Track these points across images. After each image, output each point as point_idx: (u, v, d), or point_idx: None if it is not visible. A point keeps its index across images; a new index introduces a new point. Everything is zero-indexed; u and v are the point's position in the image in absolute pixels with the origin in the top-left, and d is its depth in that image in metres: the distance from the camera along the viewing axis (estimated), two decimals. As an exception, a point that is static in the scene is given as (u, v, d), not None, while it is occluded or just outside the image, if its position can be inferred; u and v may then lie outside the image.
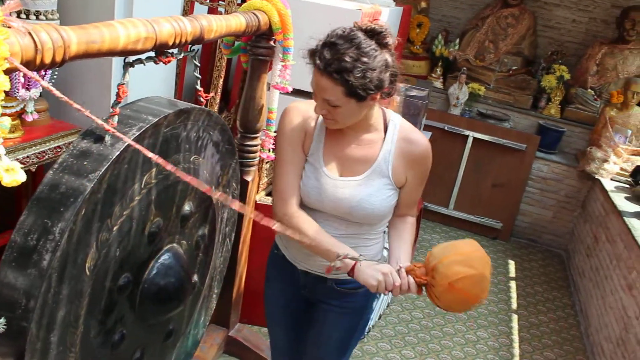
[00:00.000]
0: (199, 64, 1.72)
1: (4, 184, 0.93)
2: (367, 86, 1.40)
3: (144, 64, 1.45)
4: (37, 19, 1.97)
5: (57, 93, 1.01)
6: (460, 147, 4.72)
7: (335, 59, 1.37)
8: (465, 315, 3.59)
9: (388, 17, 3.29)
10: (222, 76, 2.65)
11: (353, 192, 1.57)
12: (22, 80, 1.90)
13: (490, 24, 4.84)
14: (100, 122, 1.19)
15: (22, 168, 1.95)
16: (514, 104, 4.84)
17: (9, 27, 0.96)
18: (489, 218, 4.80)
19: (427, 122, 4.45)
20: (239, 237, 2.49)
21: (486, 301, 3.81)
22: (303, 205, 1.64)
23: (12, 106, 1.92)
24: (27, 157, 1.98)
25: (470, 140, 4.66)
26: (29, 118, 2.00)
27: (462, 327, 3.46)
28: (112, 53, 1.26)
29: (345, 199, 1.57)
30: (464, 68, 4.77)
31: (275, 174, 1.65)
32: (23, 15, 1.96)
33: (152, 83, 2.51)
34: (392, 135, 1.60)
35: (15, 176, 0.94)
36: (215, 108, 2.71)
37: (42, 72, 1.99)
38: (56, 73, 2.06)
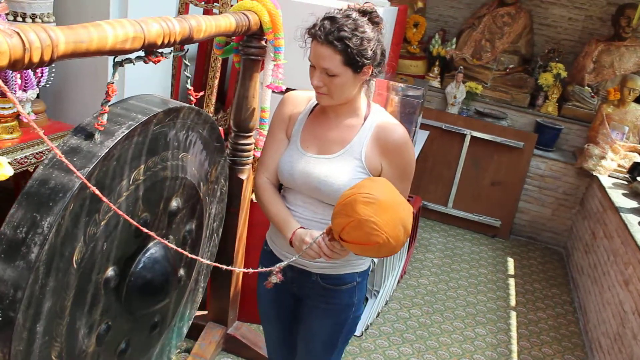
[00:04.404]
0: (188, 64, 1.76)
1: (-8, 177, 0.97)
2: (363, 54, 1.51)
3: (134, 64, 1.49)
4: (33, 22, 2.01)
5: None
6: (458, 146, 4.74)
7: (335, 29, 1.49)
8: (464, 312, 3.62)
9: (383, 17, 3.32)
10: (218, 77, 2.69)
11: (322, 167, 1.63)
12: (19, 82, 1.94)
13: (486, 23, 4.86)
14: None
15: (20, 168, 2.01)
16: (512, 102, 4.86)
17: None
18: (487, 216, 4.82)
19: (424, 121, 4.48)
20: (235, 236, 2.52)
21: (484, 298, 3.83)
22: (283, 188, 1.76)
23: (10, 107, 1.96)
24: (25, 157, 2.02)
25: (468, 138, 4.68)
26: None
27: (461, 324, 3.48)
28: (101, 52, 1.29)
29: (314, 173, 1.63)
30: (461, 67, 4.80)
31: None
32: (19, 19, 2.00)
33: (149, 84, 2.54)
34: (372, 122, 1.65)
35: (1, 170, 0.97)
36: (211, 108, 2.75)
37: (39, 73, 2.03)
38: (53, 73, 2.09)
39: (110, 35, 1.29)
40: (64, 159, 1.09)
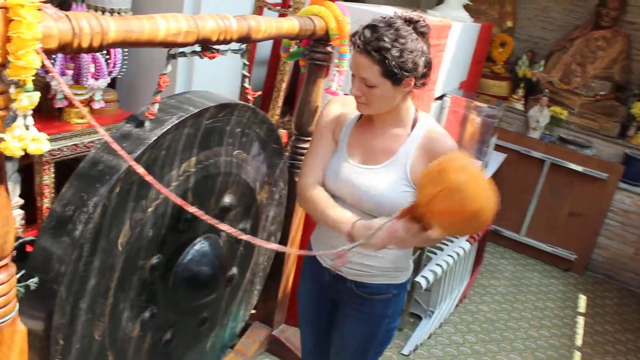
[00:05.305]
0: (247, 63, 1.79)
1: (28, 151, 1.02)
2: (403, 66, 1.45)
3: (188, 57, 1.53)
4: (112, 16, 2.12)
5: None
6: (536, 172, 4.52)
7: (375, 39, 1.44)
8: (523, 345, 3.43)
9: (461, 33, 3.24)
10: (286, 80, 2.72)
11: (367, 178, 1.59)
12: (92, 70, 2.05)
13: (579, 46, 4.62)
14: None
15: (86, 151, 2.12)
16: (599, 131, 4.58)
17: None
18: (562, 248, 4.55)
19: (501, 142, 4.32)
20: (287, 238, 2.53)
21: (547, 334, 3.62)
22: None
23: (82, 94, 2.08)
24: (92, 142, 2.13)
25: (547, 165, 4.46)
26: (96, 106, 2.16)
27: (517, 357, 3.31)
28: (152, 44, 1.34)
29: (358, 184, 1.59)
30: (547, 90, 4.59)
31: (306, 154, 1.79)
32: (99, 12, 2.12)
33: (217, 83, 2.61)
34: (419, 132, 1.60)
35: (39, 145, 1.02)
36: (277, 111, 2.78)
37: (112, 63, 2.13)
38: (125, 66, 2.20)
39: (162, 27, 1.33)
40: (111, 141, 1.11)
